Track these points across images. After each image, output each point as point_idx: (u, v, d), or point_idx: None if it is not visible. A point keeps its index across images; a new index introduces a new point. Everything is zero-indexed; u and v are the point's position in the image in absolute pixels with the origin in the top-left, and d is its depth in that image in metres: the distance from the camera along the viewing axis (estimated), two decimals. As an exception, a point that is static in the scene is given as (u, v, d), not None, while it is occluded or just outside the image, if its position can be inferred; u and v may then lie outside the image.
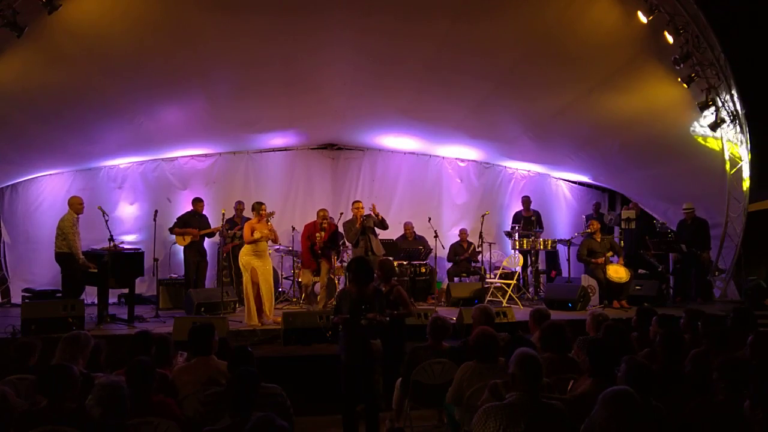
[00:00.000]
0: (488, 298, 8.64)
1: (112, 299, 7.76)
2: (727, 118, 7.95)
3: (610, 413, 2.58)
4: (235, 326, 6.71)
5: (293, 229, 9.77)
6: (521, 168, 11.57)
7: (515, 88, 8.06)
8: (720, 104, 7.80)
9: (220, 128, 9.29)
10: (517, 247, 9.47)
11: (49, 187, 9.56)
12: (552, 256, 10.60)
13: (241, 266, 7.23)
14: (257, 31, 6.52)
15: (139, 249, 7.82)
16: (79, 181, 9.69)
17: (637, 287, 8.72)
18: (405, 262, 9.28)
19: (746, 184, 8.43)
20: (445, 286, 9.49)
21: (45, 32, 5.69)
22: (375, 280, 4.99)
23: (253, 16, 6.24)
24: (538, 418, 2.79)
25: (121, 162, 9.92)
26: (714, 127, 7.91)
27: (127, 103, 7.61)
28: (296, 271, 9.19)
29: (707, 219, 9.06)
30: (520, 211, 10.41)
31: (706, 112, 7.73)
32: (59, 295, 7.50)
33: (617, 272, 8.38)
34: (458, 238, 10.20)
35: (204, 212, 9.04)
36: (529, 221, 9.93)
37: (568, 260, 9.22)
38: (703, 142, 8.29)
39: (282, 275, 9.70)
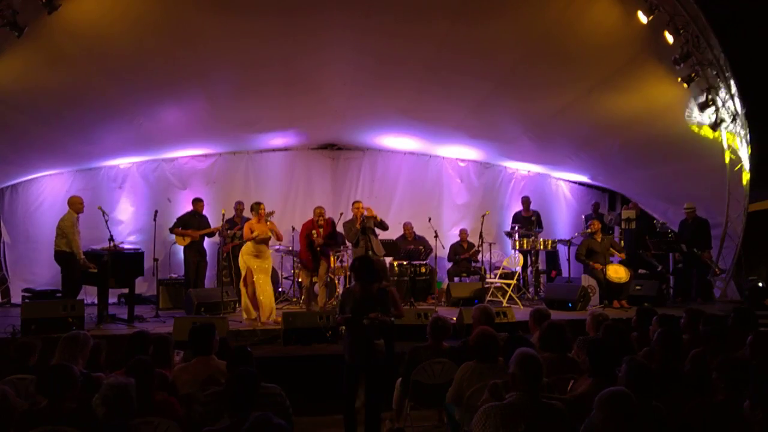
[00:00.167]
0: (488, 298, 8.65)
1: (112, 299, 7.77)
2: (727, 118, 7.95)
3: (607, 414, 2.58)
4: (235, 326, 6.71)
5: (293, 229, 9.77)
6: (521, 168, 11.57)
7: (515, 89, 8.06)
8: (720, 104, 7.81)
9: (220, 128, 9.29)
10: (517, 247, 9.47)
11: (49, 187, 9.56)
12: (552, 256, 10.60)
13: (240, 265, 7.27)
14: (257, 31, 6.52)
15: (139, 249, 7.82)
16: (79, 181, 9.69)
17: (637, 287, 8.72)
18: (405, 262, 9.28)
19: (746, 183, 8.42)
20: (445, 286, 9.49)
21: (45, 32, 5.69)
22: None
23: (253, 17, 6.24)
24: (538, 418, 2.79)
25: (121, 162, 9.92)
26: (714, 126, 7.91)
27: (127, 103, 7.61)
28: (296, 271, 9.19)
29: (708, 219, 9.06)
30: (520, 211, 10.41)
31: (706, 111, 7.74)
32: (59, 295, 7.50)
33: (617, 272, 8.38)
34: (458, 238, 10.20)
35: (204, 212, 9.04)
36: (529, 221, 9.93)
37: (568, 260, 9.22)
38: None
39: (282, 275, 9.70)
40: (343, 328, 4.89)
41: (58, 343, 3.84)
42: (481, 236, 9.11)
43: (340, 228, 8.33)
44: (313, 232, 7.94)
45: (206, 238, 9.02)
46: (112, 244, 6.99)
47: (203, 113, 8.53)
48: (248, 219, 7.56)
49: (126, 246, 7.83)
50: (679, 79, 7.34)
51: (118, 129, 8.39)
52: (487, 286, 8.85)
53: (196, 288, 8.32)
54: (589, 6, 6.41)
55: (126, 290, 7.54)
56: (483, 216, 9.16)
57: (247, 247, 7.21)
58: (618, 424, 2.55)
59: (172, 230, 8.80)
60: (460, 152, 11.16)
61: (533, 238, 9.41)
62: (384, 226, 8.08)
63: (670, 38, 6.90)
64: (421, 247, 9.65)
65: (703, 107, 7.70)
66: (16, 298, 8.82)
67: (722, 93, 7.81)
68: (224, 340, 4.48)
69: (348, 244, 8.57)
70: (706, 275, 9.08)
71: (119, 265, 7.01)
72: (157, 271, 8.18)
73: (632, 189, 10.82)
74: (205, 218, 9.00)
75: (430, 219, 9.88)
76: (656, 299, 8.41)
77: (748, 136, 8.13)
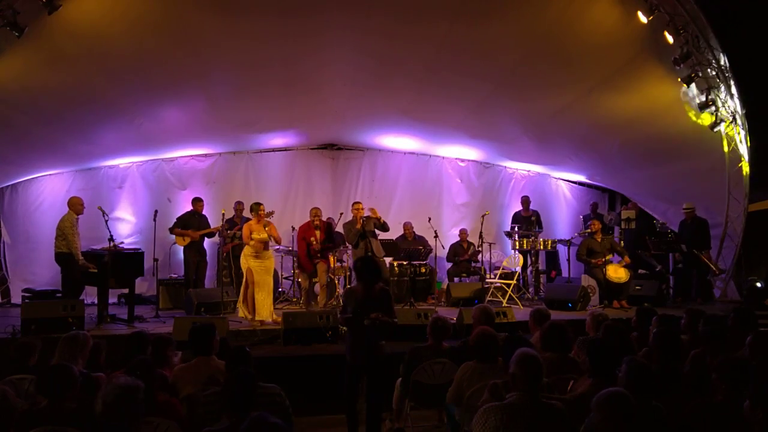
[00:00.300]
0: (488, 298, 8.64)
1: (112, 299, 7.77)
2: (727, 118, 7.95)
3: (605, 415, 2.58)
4: (235, 326, 6.71)
5: (293, 229, 9.75)
6: (521, 168, 11.57)
7: (515, 89, 8.06)
8: (720, 104, 7.80)
9: (220, 128, 9.29)
10: (517, 247, 9.47)
11: (49, 187, 9.56)
12: (552, 256, 10.60)
13: (242, 265, 7.30)
14: (258, 32, 6.52)
15: (139, 249, 7.81)
16: (79, 181, 9.69)
17: (637, 287, 8.71)
18: (405, 262, 9.28)
19: (746, 183, 8.42)
20: (445, 286, 9.49)
21: (45, 32, 5.69)
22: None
23: (253, 18, 6.24)
24: (538, 418, 2.79)
25: (121, 162, 9.92)
26: (714, 126, 7.91)
27: (127, 103, 7.61)
28: (296, 271, 9.19)
29: (707, 219, 9.06)
30: (520, 211, 10.41)
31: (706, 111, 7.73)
32: (59, 295, 7.49)
33: (617, 272, 8.38)
34: (458, 238, 10.20)
35: (204, 212, 9.03)
36: (528, 221, 9.93)
37: (568, 260, 9.22)
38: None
39: (282, 275, 9.70)
40: (344, 328, 4.89)
41: (58, 343, 3.84)
42: (481, 236, 9.11)
43: (339, 228, 8.33)
44: (312, 239, 7.92)
45: (206, 238, 9.02)
46: (112, 244, 6.98)
47: (203, 113, 8.53)
48: (248, 219, 7.56)
49: (126, 246, 7.83)
50: (679, 80, 7.34)
51: (118, 129, 8.39)
52: (487, 286, 8.85)
53: (196, 288, 8.32)
54: (589, 6, 6.41)
55: (126, 290, 7.54)
56: (483, 216, 9.16)
57: (247, 248, 7.21)
58: (616, 425, 2.55)
59: (171, 230, 8.80)
60: (460, 152, 11.16)
61: (533, 238, 9.41)
62: (385, 228, 8.07)
63: (670, 38, 6.90)
64: (420, 247, 9.66)
65: (703, 107, 7.69)
66: (16, 298, 8.81)
67: (722, 93, 7.81)
68: (224, 340, 4.48)
69: (348, 244, 8.57)
70: (706, 275, 9.08)
71: (119, 265, 7.00)
72: (157, 271, 8.17)
73: (632, 189, 10.82)
74: (204, 218, 8.99)
75: (430, 219, 9.88)
76: (656, 299, 8.41)
77: (748, 136, 8.13)
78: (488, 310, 4.85)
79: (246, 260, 7.16)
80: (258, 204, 7.34)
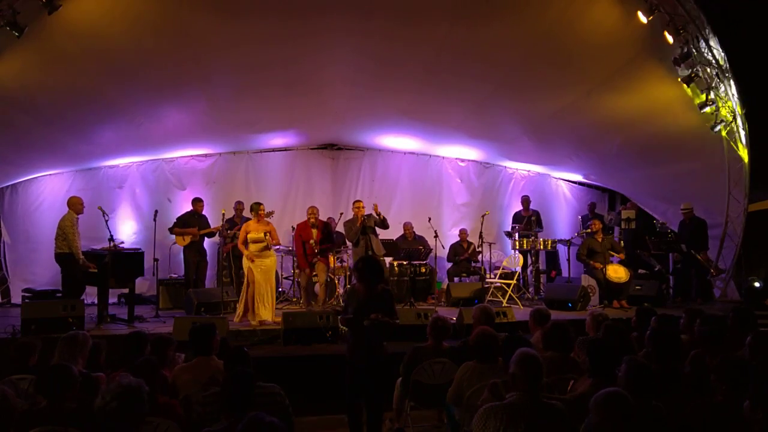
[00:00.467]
0: (488, 298, 8.65)
1: (112, 299, 7.77)
2: (727, 118, 7.94)
3: (603, 416, 2.58)
4: (235, 326, 6.71)
5: (293, 229, 9.73)
6: (521, 168, 11.57)
7: (515, 90, 8.06)
8: (720, 104, 7.80)
9: (220, 128, 9.29)
10: (517, 247, 9.47)
11: (49, 187, 9.56)
12: (552, 256, 10.60)
13: (243, 265, 7.31)
14: (258, 34, 6.52)
15: (139, 249, 7.82)
16: (79, 181, 9.69)
17: (637, 287, 8.71)
18: (405, 262, 9.28)
19: (746, 183, 8.42)
20: (445, 286, 9.49)
21: (45, 32, 5.69)
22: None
23: (254, 20, 6.24)
24: (538, 418, 2.78)
25: (121, 162, 9.92)
26: (714, 126, 7.91)
27: (127, 103, 7.61)
28: (296, 271, 9.19)
29: (707, 219, 9.06)
30: (520, 211, 10.42)
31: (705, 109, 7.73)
32: (59, 295, 7.49)
33: (617, 272, 8.38)
34: (458, 238, 10.19)
35: (204, 212, 9.04)
36: (528, 221, 9.93)
37: (568, 260, 9.22)
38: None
39: (282, 275, 9.70)
40: (345, 329, 4.88)
41: (57, 343, 3.84)
42: (481, 236, 9.11)
43: (340, 228, 8.33)
44: (312, 241, 7.90)
45: (206, 238, 9.02)
46: (112, 244, 6.98)
47: (203, 114, 8.53)
48: (248, 219, 7.56)
49: (126, 246, 7.82)
50: (679, 80, 7.33)
51: (118, 129, 8.39)
52: (487, 286, 8.86)
53: (196, 288, 8.32)
54: (589, 6, 6.41)
55: (126, 290, 7.55)
56: (483, 216, 9.16)
57: (249, 247, 7.20)
58: (615, 425, 2.55)
59: (171, 230, 8.80)
60: (460, 152, 11.16)
61: (533, 238, 9.41)
62: (385, 225, 8.08)
63: (670, 38, 6.90)
64: (420, 247, 9.66)
65: (703, 107, 7.69)
66: (16, 298, 8.81)
67: (722, 93, 7.81)
68: (225, 340, 4.48)
69: (348, 243, 8.57)
70: (706, 275, 9.08)
71: (119, 265, 7.00)
72: (157, 271, 8.16)
73: (632, 189, 10.82)
74: (205, 218, 8.99)
75: (430, 219, 9.89)
76: (656, 299, 8.41)
77: (748, 136, 8.13)
78: (488, 310, 4.85)
79: (247, 260, 7.16)
80: (258, 204, 7.34)
